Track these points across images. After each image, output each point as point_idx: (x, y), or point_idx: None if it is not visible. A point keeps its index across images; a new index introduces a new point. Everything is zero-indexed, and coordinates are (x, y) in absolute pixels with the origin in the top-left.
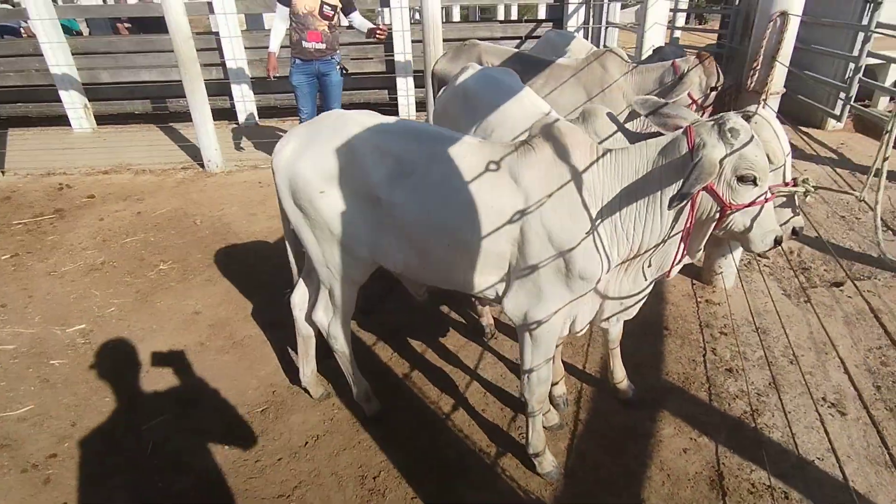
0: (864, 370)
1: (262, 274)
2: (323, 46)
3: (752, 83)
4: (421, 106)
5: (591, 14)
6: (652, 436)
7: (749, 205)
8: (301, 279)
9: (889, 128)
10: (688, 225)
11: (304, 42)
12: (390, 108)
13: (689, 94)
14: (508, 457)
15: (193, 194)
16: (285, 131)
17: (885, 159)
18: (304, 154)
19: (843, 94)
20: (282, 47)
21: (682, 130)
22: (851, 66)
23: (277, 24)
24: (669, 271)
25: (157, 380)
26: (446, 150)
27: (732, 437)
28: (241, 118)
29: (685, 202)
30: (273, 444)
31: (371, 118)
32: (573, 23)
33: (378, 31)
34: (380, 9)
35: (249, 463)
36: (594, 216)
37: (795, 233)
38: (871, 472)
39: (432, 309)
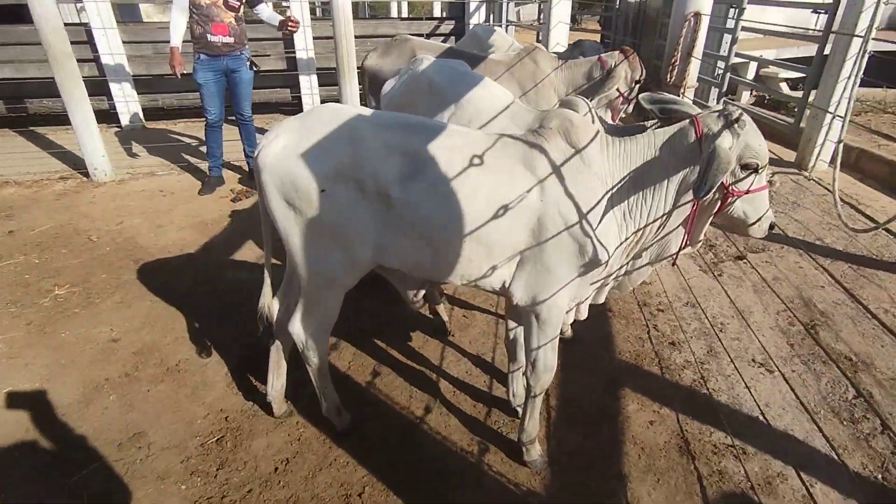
0: (778, 331)
1: (186, 290)
2: (231, 40)
3: (671, 78)
4: None
5: (492, 12)
6: (620, 414)
7: (750, 191)
8: (280, 289)
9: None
10: (694, 209)
11: (209, 36)
12: (293, 107)
13: (618, 89)
14: (491, 452)
15: (82, 207)
16: (180, 134)
17: (839, 142)
18: (303, 150)
19: (715, 90)
20: (184, 42)
21: (688, 121)
22: (722, 64)
23: (176, 17)
24: (676, 256)
25: (79, 422)
26: (459, 144)
27: (688, 405)
28: (125, 120)
29: (713, 192)
30: (238, 475)
31: (370, 112)
32: (475, 20)
33: (290, 24)
34: (286, 3)
35: (215, 501)
36: (606, 202)
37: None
38: (804, 420)
39: (384, 309)
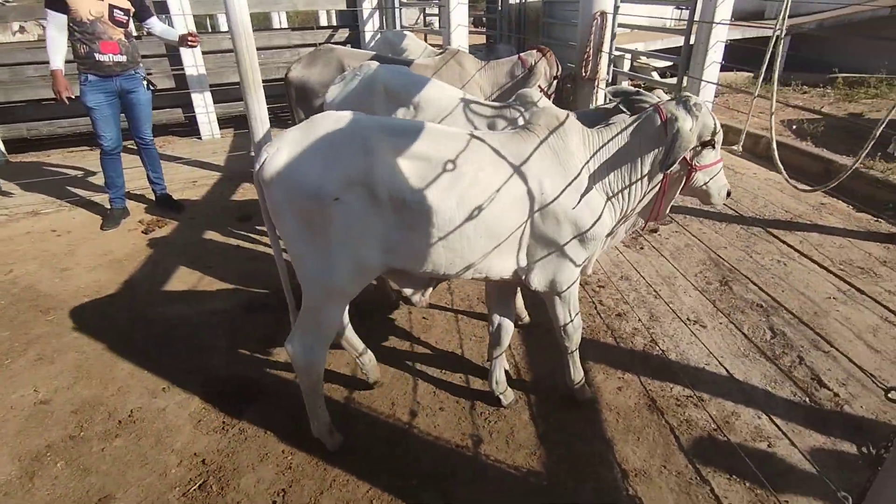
0: (700, 290)
1: (117, 334)
2: (123, 59)
3: (586, 72)
4: (225, 123)
5: (385, 19)
6: (592, 385)
7: (709, 165)
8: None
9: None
10: (663, 184)
11: (97, 55)
12: (187, 128)
13: (539, 86)
14: (485, 442)
15: None
16: (58, 166)
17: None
18: (310, 160)
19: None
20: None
21: (652, 108)
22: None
23: (54, 35)
24: (644, 227)
25: (27, 501)
26: (464, 146)
27: (646, 367)
28: None
29: (679, 168)
30: None
31: (372, 118)
32: (369, 28)
33: (191, 39)
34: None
35: None
36: (593, 186)
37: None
38: (740, 363)
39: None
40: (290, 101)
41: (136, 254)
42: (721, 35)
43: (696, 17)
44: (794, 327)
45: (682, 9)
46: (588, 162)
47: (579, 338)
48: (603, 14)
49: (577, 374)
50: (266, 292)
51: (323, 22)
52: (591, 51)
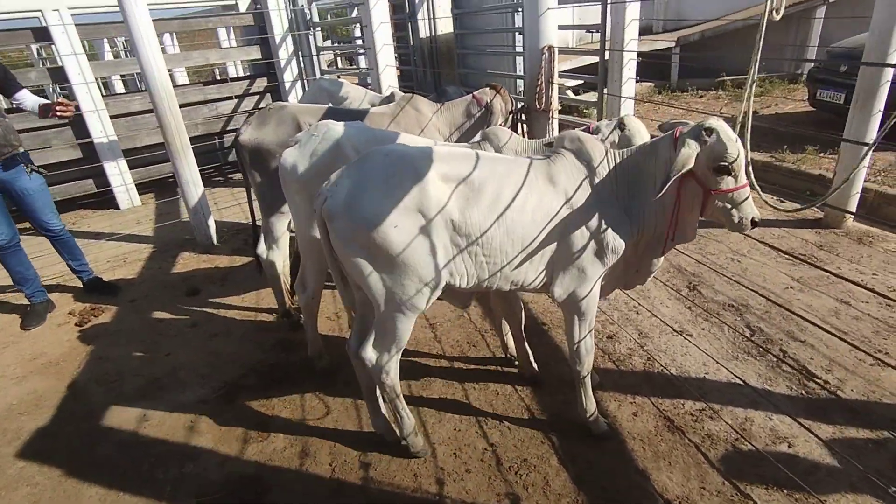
0: (674, 299)
1: (74, 453)
2: None
3: (541, 105)
4: (144, 189)
5: (304, 66)
6: (606, 414)
7: (727, 190)
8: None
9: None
10: (676, 205)
11: None
12: (101, 199)
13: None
14: (525, 500)
15: None
16: None
17: (740, 125)
18: (369, 193)
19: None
20: None
21: (670, 133)
22: (521, 82)
23: None
24: (664, 249)
25: None
26: (501, 169)
27: (652, 386)
28: None
29: (668, 184)
30: None
31: (418, 150)
32: (288, 76)
33: (58, 108)
34: (52, 85)
35: None
36: (614, 203)
37: (755, 223)
38: (733, 366)
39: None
40: (244, 166)
41: (74, 352)
42: (633, 53)
43: (608, 38)
44: (768, 321)
45: (592, 32)
46: (610, 182)
47: (591, 363)
48: (550, 48)
49: (591, 403)
50: (242, 373)
51: (231, 73)
52: (543, 83)
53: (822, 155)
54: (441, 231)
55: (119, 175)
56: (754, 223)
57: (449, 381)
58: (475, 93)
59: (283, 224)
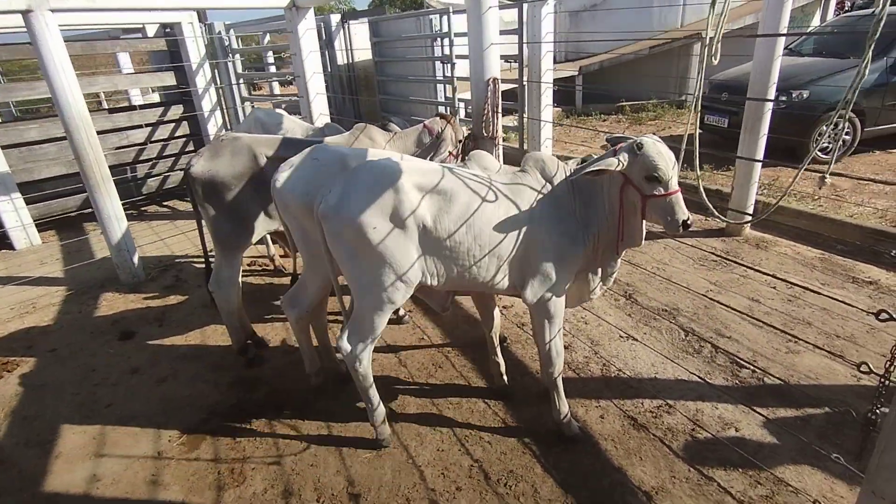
0: (616, 308)
1: None
2: None
3: (488, 132)
4: (44, 226)
5: (222, 95)
6: (577, 418)
7: (658, 196)
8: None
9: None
10: (621, 211)
11: None
12: None
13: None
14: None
15: None
16: None
17: (692, 148)
18: (355, 198)
19: None
20: None
21: (613, 149)
22: (442, 108)
23: None
24: (617, 250)
25: None
26: (472, 183)
27: (613, 390)
28: None
29: (581, 173)
30: None
31: (402, 164)
32: (206, 105)
33: None
34: None
35: None
36: (571, 214)
37: (686, 225)
38: (676, 364)
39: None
40: (195, 198)
41: None
42: (549, 81)
43: (525, 65)
44: (698, 322)
45: (510, 62)
46: (568, 195)
47: (561, 364)
48: (495, 80)
49: (563, 406)
50: (202, 417)
51: (134, 102)
52: (489, 112)
53: (715, 172)
54: (413, 233)
55: (14, 212)
56: (686, 225)
57: (422, 402)
58: (426, 122)
59: (238, 257)
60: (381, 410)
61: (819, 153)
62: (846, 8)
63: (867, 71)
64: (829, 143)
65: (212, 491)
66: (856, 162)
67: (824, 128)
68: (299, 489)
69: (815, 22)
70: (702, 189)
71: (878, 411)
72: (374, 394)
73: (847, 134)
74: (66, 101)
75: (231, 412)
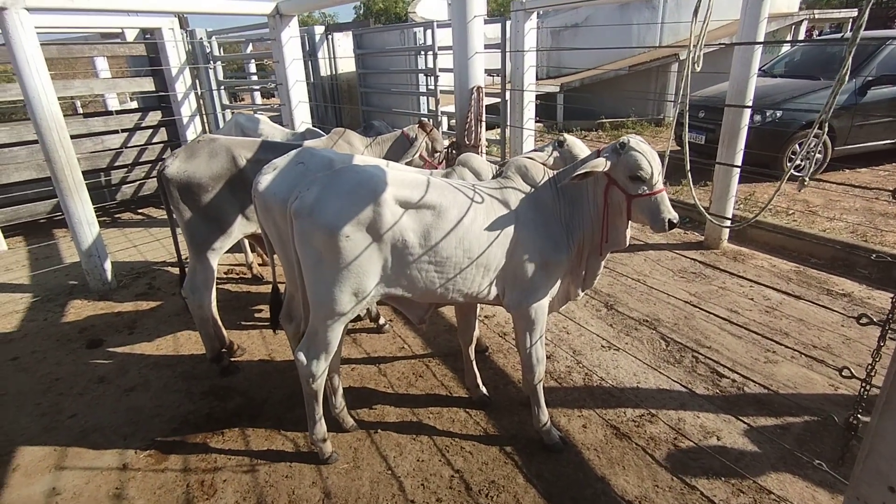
0: (597, 318)
1: None
2: None
3: (471, 141)
4: (10, 232)
5: (202, 101)
6: (559, 428)
7: (642, 195)
8: None
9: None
10: (606, 211)
11: None
12: None
13: (421, 157)
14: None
15: None
16: None
17: (687, 163)
18: (333, 202)
19: None
20: None
21: (596, 150)
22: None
23: None
24: (601, 251)
25: None
26: (456, 193)
27: (595, 399)
28: None
29: (570, 178)
30: None
31: (387, 172)
32: (185, 111)
33: None
34: None
35: None
36: (556, 218)
37: (672, 224)
38: (658, 373)
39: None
40: (170, 201)
41: None
42: (531, 96)
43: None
44: (678, 332)
45: (493, 76)
46: (553, 200)
47: (542, 372)
48: (479, 89)
49: (543, 415)
50: (173, 427)
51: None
52: (473, 121)
53: (694, 186)
54: (387, 249)
55: None
56: (671, 224)
57: (402, 412)
58: (405, 129)
59: (214, 261)
60: (321, 427)
61: (794, 171)
62: (814, 36)
63: (839, 92)
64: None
65: None
66: (827, 179)
67: (797, 146)
68: (273, 501)
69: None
70: (693, 193)
71: (859, 416)
72: (319, 411)
73: (819, 153)
74: (39, 101)
75: (203, 422)
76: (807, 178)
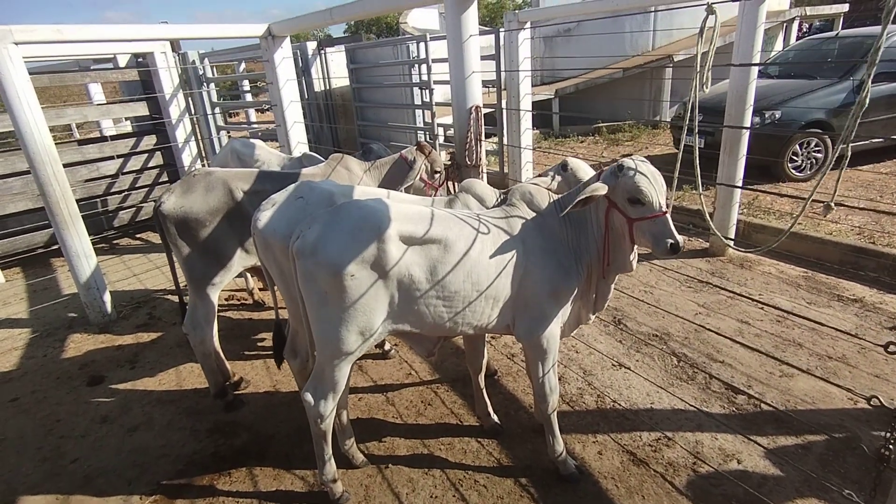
0: (606, 335)
1: None
2: None
3: (471, 161)
4: (6, 264)
5: (197, 125)
6: (573, 455)
7: (642, 219)
8: None
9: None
10: (607, 236)
11: None
12: None
13: (422, 179)
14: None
15: None
16: None
17: (698, 175)
18: (336, 240)
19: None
20: None
21: (597, 172)
22: (421, 133)
23: None
24: (603, 272)
25: None
26: (462, 225)
27: (609, 423)
28: None
29: (572, 206)
30: None
31: (385, 204)
32: (181, 134)
33: None
34: None
35: None
36: (563, 244)
37: (674, 248)
38: (671, 393)
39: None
40: (167, 237)
41: None
42: (527, 106)
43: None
44: (689, 346)
45: (489, 87)
46: (559, 227)
47: (556, 401)
48: (477, 108)
49: (559, 444)
50: (179, 468)
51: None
52: (472, 140)
53: (695, 192)
54: (393, 286)
55: None
56: (674, 248)
57: (412, 444)
58: (403, 152)
59: (214, 296)
60: (331, 468)
61: (794, 171)
62: (804, 31)
63: (844, 94)
64: (803, 161)
65: None
66: (828, 179)
67: (797, 147)
68: None
69: (779, 44)
70: (705, 210)
71: (891, 447)
72: (328, 450)
73: (818, 152)
74: (31, 135)
75: (209, 462)
76: (832, 203)
